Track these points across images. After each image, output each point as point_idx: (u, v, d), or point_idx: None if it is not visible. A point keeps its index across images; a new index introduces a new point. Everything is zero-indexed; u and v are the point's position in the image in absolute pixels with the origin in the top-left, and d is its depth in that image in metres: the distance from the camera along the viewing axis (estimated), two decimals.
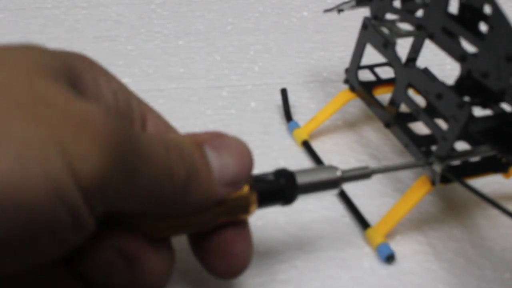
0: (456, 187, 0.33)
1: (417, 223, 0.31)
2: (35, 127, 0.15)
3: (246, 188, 0.22)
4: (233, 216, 0.22)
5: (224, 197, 0.21)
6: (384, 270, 0.28)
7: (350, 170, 0.25)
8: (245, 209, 0.22)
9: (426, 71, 0.33)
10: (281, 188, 0.23)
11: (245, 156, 0.21)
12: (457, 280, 0.28)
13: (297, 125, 0.37)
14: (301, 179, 0.24)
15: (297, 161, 0.35)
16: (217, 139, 0.21)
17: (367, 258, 0.29)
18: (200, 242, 0.23)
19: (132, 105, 0.22)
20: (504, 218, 0.31)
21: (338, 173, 0.24)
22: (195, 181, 0.20)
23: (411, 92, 0.33)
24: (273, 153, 0.35)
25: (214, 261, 0.22)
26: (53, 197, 0.15)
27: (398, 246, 0.29)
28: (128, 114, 0.22)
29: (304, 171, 0.24)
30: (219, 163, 0.21)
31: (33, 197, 0.14)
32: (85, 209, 0.16)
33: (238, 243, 0.22)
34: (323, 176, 0.24)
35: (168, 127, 0.24)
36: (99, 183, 0.16)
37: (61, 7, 0.51)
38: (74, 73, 0.19)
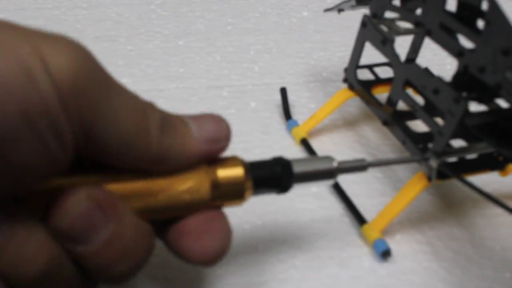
0: (455, 186, 0.33)
1: (417, 222, 0.31)
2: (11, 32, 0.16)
3: (242, 174, 0.22)
4: (227, 201, 0.22)
5: (205, 154, 0.21)
6: (384, 269, 0.28)
7: (346, 162, 0.25)
8: (240, 195, 0.22)
9: (426, 70, 0.33)
10: (277, 175, 0.23)
11: (221, 120, 0.22)
12: (457, 279, 0.28)
13: (296, 123, 0.37)
14: (297, 168, 0.24)
15: None
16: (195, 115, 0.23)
17: (367, 258, 0.28)
18: (172, 227, 0.22)
19: None
20: (504, 218, 0.31)
21: (335, 164, 0.24)
22: (170, 129, 0.20)
23: (410, 92, 0.34)
24: (273, 153, 0.35)
25: (190, 243, 0.22)
26: (28, 84, 0.15)
27: (398, 245, 0.29)
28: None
29: (301, 160, 0.24)
30: (197, 124, 0.22)
31: (7, 83, 0.15)
32: (63, 115, 0.16)
33: (215, 222, 0.22)
34: (319, 166, 0.24)
35: None
36: (72, 84, 0.16)
37: (61, 8, 0.52)
38: None
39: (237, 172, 0.22)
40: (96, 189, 0.19)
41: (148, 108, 0.20)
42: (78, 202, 0.18)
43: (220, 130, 0.22)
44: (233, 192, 0.22)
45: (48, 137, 0.16)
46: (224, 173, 0.22)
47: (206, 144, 0.22)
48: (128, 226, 0.20)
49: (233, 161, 0.23)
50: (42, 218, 0.19)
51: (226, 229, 0.22)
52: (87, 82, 0.17)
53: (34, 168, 0.17)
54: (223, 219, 0.22)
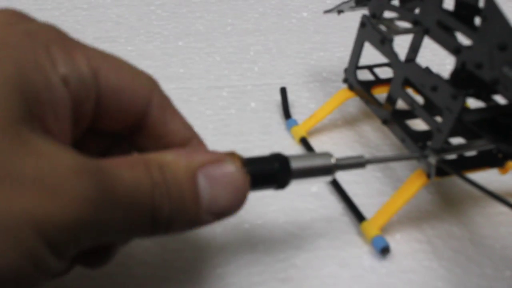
0: (455, 185, 0.33)
1: (417, 221, 0.31)
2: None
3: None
4: None
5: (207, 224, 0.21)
6: (384, 268, 0.28)
7: (344, 158, 0.25)
8: None
9: (426, 70, 0.33)
10: (275, 171, 0.23)
11: (240, 191, 0.21)
12: (457, 278, 0.28)
13: (295, 123, 0.37)
14: (295, 164, 0.23)
15: None
16: (215, 164, 0.20)
17: (367, 257, 0.29)
18: (137, 136, 0.22)
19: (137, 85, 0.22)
20: (504, 216, 0.31)
21: (333, 160, 0.24)
22: (179, 215, 0.19)
23: (410, 92, 0.34)
24: None
25: (150, 143, 0.22)
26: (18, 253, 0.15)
27: (398, 244, 0.29)
28: (105, 174, 0.18)
29: (299, 156, 0.24)
30: (210, 195, 0.20)
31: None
32: (53, 258, 0.16)
33: (175, 119, 0.22)
34: (317, 162, 0.24)
35: (187, 129, 0.23)
36: (69, 236, 0.16)
37: (61, 9, 0.52)
38: (33, 97, 0.17)
39: None
40: None
41: (157, 201, 0.18)
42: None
43: (233, 205, 0.20)
44: None
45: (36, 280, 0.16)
46: None
47: (213, 219, 0.20)
48: None
49: (230, 156, 0.22)
50: None
51: (185, 125, 0.23)
52: (88, 223, 0.16)
53: None
54: (182, 117, 0.23)
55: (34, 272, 0.16)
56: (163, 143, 0.22)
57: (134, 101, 0.21)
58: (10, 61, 0.17)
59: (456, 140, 0.31)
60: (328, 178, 0.25)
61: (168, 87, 0.41)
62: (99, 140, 0.23)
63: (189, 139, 0.23)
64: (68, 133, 0.19)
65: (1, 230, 0.15)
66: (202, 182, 0.20)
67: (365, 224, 0.29)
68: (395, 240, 0.29)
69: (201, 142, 0.24)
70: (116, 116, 0.21)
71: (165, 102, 0.22)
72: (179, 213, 0.19)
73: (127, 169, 0.18)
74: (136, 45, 0.47)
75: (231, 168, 0.20)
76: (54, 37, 0.19)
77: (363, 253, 0.29)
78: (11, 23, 0.18)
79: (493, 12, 0.24)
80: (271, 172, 0.23)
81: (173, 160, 0.19)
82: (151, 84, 0.22)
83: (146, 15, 0.51)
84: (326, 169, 0.24)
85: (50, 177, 0.16)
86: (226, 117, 0.38)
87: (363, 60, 0.35)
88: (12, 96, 0.16)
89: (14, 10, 0.19)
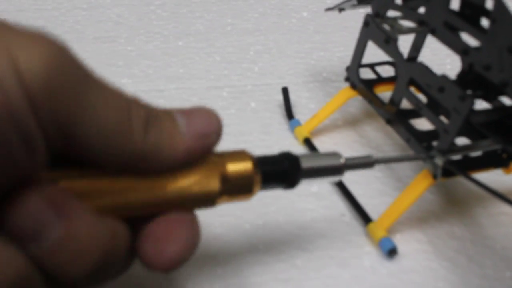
0: (457, 185, 0.33)
1: (418, 221, 0.30)
2: None
3: (250, 168, 0.22)
4: (235, 195, 0.22)
5: (195, 150, 0.21)
6: (385, 268, 0.28)
7: (353, 158, 0.25)
8: (249, 189, 0.22)
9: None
10: (285, 170, 0.23)
11: (212, 114, 0.22)
12: (458, 278, 0.28)
13: (298, 123, 0.37)
14: (305, 164, 0.23)
15: None
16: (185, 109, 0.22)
17: (368, 257, 0.28)
18: (139, 227, 0.21)
19: None
20: (504, 217, 0.31)
21: (342, 160, 0.24)
22: (156, 126, 0.20)
23: (413, 90, 0.34)
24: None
25: (147, 245, 0.20)
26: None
27: (399, 244, 0.29)
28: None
29: (309, 156, 0.24)
30: (186, 121, 0.21)
31: None
32: (32, 118, 0.16)
33: (179, 226, 0.21)
34: (327, 162, 0.24)
35: None
36: (43, 85, 0.16)
37: (61, 9, 0.52)
38: None
39: (246, 166, 0.22)
40: (50, 187, 0.18)
41: (132, 104, 0.19)
42: (28, 200, 0.17)
43: (210, 124, 0.21)
44: (242, 186, 0.22)
45: (13, 142, 0.15)
46: (233, 166, 0.22)
47: (196, 140, 0.21)
48: (83, 226, 0.18)
49: (242, 154, 0.22)
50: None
51: (189, 235, 0.21)
52: (61, 80, 0.16)
53: None
54: (190, 224, 0.21)
55: (16, 132, 0.15)
56: None
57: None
58: None
59: (461, 140, 0.31)
60: (337, 178, 0.25)
61: (168, 87, 0.41)
62: None
63: None
64: None
65: None
66: (177, 114, 0.21)
67: (371, 226, 0.29)
68: (396, 240, 0.29)
69: None
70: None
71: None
72: (155, 120, 0.20)
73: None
74: (136, 45, 0.46)
75: (202, 107, 0.22)
76: None
77: (363, 254, 0.29)
78: None
79: (503, 15, 0.24)
80: (281, 170, 0.23)
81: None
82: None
83: (146, 15, 0.51)
84: (335, 169, 0.24)
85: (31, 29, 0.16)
86: (226, 117, 0.38)
87: (364, 59, 0.35)
88: None
89: None
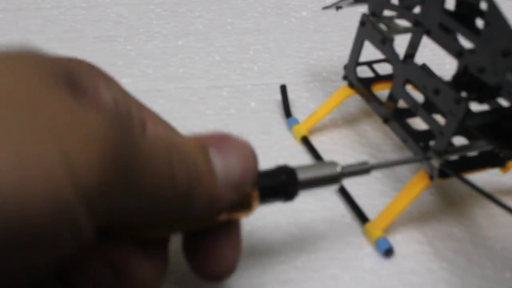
0: (456, 186, 0.33)
1: (418, 223, 0.31)
2: (35, 134, 0.14)
3: None
4: (235, 213, 0.22)
5: (228, 202, 0.21)
6: (385, 270, 0.28)
7: (349, 166, 0.25)
8: (247, 206, 0.22)
9: (424, 67, 0.33)
10: (283, 184, 0.23)
11: (250, 158, 0.21)
12: (458, 279, 0.28)
13: (296, 121, 0.37)
14: (302, 175, 0.24)
15: (298, 161, 0.34)
16: (221, 140, 0.21)
17: (368, 258, 0.29)
18: (189, 243, 0.23)
19: (132, 110, 0.22)
20: (504, 218, 0.31)
21: (338, 169, 0.24)
22: (198, 186, 0.19)
23: (410, 88, 0.34)
24: (273, 153, 0.35)
25: (200, 263, 0.22)
26: (53, 202, 0.14)
27: (399, 246, 0.29)
28: (128, 119, 0.21)
29: (305, 167, 0.24)
30: (223, 167, 0.20)
31: (32, 201, 0.14)
32: (85, 214, 0.15)
33: (226, 247, 0.22)
34: (323, 171, 0.24)
35: (170, 130, 0.23)
36: (99, 187, 0.15)
37: (60, 8, 0.51)
38: (73, 78, 0.18)
39: None
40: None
41: (176, 167, 0.18)
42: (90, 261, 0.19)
43: (247, 172, 0.21)
44: (240, 205, 0.22)
45: (64, 234, 0.15)
46: None
47: (232, 193, 0.20)
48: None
49: None
50: None
51: (236, 254, 0.23)
52: (115, 179, 0.16)
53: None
54: (236, 243, 0.23)
55: (67, 227, 0.15)
56: None
57: None
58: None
59: (458, 140, 0.31)
60: (334, 187, 0.25)
61: (168, 87, 0.41)
62: None
63: None
64: None
65: (29, 162, 0.14)
66: (214, 155, 0.20)
67: (368, 226, 0.29)
68: (395, 242, 0.29)
69: None
70: None
71: None
72: (197, 181, 0.19)
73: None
74: (135, 44, 0.46)
75: (236, 140, 0.21)
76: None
77: (364, 255, 0.29)
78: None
79: (496, 18, 0.24)
80: (278, 185, 0.23)
81: (182, 139, 0.20)
82: None
83: (145, 14, 0.51)
84: (332, 178, 0.24)
85: (82, 119, 0.16)
86: (226, 117, 0.38)
87: (362, 58, 0.35)
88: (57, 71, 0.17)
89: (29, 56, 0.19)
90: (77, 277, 0.19)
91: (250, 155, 0.21)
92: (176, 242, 0.23)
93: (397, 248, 0.29)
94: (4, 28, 0.48)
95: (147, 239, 0.21)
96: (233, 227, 0.23)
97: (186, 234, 0.23)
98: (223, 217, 0.22)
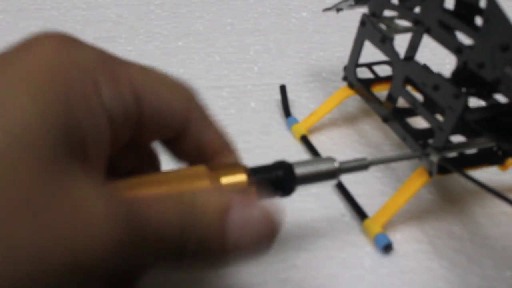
0: (456, 185, 0.33)
1: (417, 221, 0.30)
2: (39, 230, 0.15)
3: (244, 179, 0.22)
4: None
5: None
6: (385, 268, 0.28)
7: (348, 162, 0.25)
8: None
9: (424, 67, 0.33)
10: (280, 179, 0.23)
11: (270, 234, 0.20)
12: (458, 278, 0.28)
13: (295, 121, 0.37)
14: (299, 170, 0.24)
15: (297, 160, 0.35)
16: (244, 205, 0.20)
17: (368, 257, 0.28)
18: (175, 145, 0.23)
19: (175, 107, 0.22)
20: (504, 216, 0.31)
21: (336, 164, 0.24)
22: (205, 250, 0.19)
23: (409, 89, 0.34)
24: (273, 153, 0.35)
25: (185, 151, 0.23)
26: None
27: (399, 245, 0.29)
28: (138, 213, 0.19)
29: (303, 163, 0.24)
30: (239, 235, 0.19)
31: None
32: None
33: (210, 131, 0.23)
34: (321, 167, 0.24)
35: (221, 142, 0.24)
36: (103, 265, 0.16)
37: (60, 9, 0.52)
38: (76, 129, 0.17)
39: (239, 178, 0.22)
40: None
41: (185, 239, 0.18)
42: None
43: (260, 245, 0.20)
44: None
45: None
46: (227, 180, 0.22)
47: (247, 247, 0.20)
48: None
49: (235, 167, 0.22)
50: None
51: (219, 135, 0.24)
52: (119, 262, 0.17)
53: None
54: (216, 129, 0.24)
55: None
56: (198, 152, 0.23)
57: (173, 119, 0.22)
58: (57, 93, 0.17)
59: (456, 138, 0.31)
60: (332, 183, 0.25)
61: None
62: (134, 153, 0.24)
63: (222, 148, 0.24)
64: (106, 156, 0.19)
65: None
66: (230, 226, 0.19)
67: (367, 222, 0.29)
68: (395, 240, 0.29)
69: (233, 151, 0.24)
70: (154, 132, 0.22)
71: (202, 114, 0.23)
72: (205, 251, 0.19)
73: (157, 209, 0.18)
74: (135, 45, 0.46)
75: (259, 212, 0.20)
76: (100, 63, 0.20)
77: (363, 254, 0.29)
78: (58, 51, 0.18)
79: (495, 13, 0.24)
80: (276, 180, 0.23)
81: (202, 202, 0.19)
82: (190, 98, 0.23)
83: (145, 15, 0.51)
84: (330, 174, 0.24)
85: (83, 222, 0.16)
86: (226, 117, 0.38)
87: (362, 59, 0.35)
88: (56, 128, 0.16)
89: (61, 35, 0.19)
90: None
91: (271, 230, 0.20)
92: None
93: (396, 247, 0.29)
94: (4, 29, 0.48)
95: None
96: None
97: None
98: None
